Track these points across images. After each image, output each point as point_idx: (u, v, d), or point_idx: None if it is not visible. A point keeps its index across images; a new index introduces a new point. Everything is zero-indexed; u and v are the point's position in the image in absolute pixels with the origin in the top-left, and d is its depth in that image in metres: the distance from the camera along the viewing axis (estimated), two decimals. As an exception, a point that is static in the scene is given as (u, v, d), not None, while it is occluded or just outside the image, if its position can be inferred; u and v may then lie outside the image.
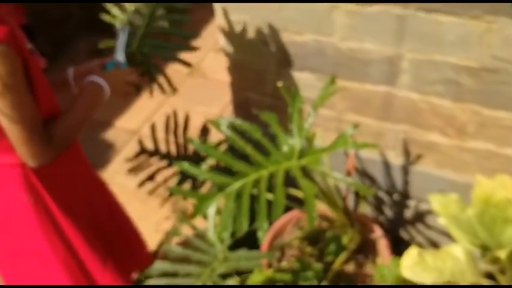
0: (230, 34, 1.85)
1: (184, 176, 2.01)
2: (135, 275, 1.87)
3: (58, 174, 1.50)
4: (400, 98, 1.70)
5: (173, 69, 2.09)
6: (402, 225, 2.07)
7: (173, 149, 2.11)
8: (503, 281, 1.22)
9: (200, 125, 2.10)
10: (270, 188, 1.40)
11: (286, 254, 1.87)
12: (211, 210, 1.39)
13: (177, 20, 1.77)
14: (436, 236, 2.00)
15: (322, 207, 1.74)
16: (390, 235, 1.94)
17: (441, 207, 1.27)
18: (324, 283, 1.67)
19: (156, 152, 2.14)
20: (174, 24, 1.77)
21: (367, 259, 1.83)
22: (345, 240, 1.79)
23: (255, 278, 1.60)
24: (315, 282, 1.65)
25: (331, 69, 1.73)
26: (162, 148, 2.14)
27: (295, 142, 1.47)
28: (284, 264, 1.82)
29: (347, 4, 1.57)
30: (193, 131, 2.13)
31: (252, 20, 1.77)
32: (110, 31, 1.75)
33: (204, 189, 1.93)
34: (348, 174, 1.80)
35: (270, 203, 1.35)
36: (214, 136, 2.07)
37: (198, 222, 1.70)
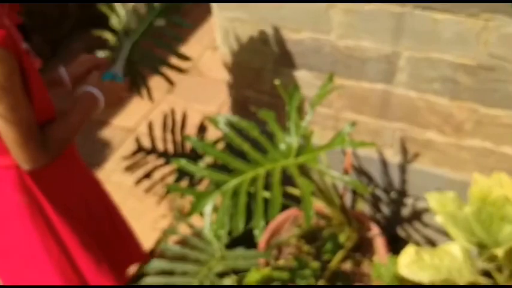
0: (227, 32, 1.84)
1: (181, 174, 2.01)
2: (129, 273, 1.87)
3: (53, 176, 1.50)
4: (397, 96, 1.70)
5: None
6: (399, 224, 2.08)
7: (170, 147, 2.11)
8: (500, 279, 1.22)
9: (197, 123, 2.10)
10: (267, 186, 1.39)
11: (283, 252, 1.87)
12: (207, 208, 1.39)
13: (175, 23, 1.74)
14: (433, 234, 2.00)
15: (319, 205, 1.74)
16: (387, 233, 1.94)
17: (438, 205, 1.27)
18: (321, 281, 1.67)
19: (153, 150, 2.14)
20: (171, 26, 1.74)
21: (364, 257, 1.83)
22: (342, 238, 1.79)
23: (252, 277, 1.60)
24: (312, 281, 1.65)
25: (329, 67, 1.73)
26: (159, 146, 2.14)
27: (292, 140, 1.47)
28: (281, 262, 1.81)
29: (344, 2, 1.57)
30: (191, 129, 2.13)
31: (249, 18, 1.76)
32: (107, 30, 1.75)
33: (201, 188, 1.92)
34: (345, 172, 1.80)
35: (267, 201, 1.35)
36: (212, 134, 2.07)
37: (195, 220, 1.70)
